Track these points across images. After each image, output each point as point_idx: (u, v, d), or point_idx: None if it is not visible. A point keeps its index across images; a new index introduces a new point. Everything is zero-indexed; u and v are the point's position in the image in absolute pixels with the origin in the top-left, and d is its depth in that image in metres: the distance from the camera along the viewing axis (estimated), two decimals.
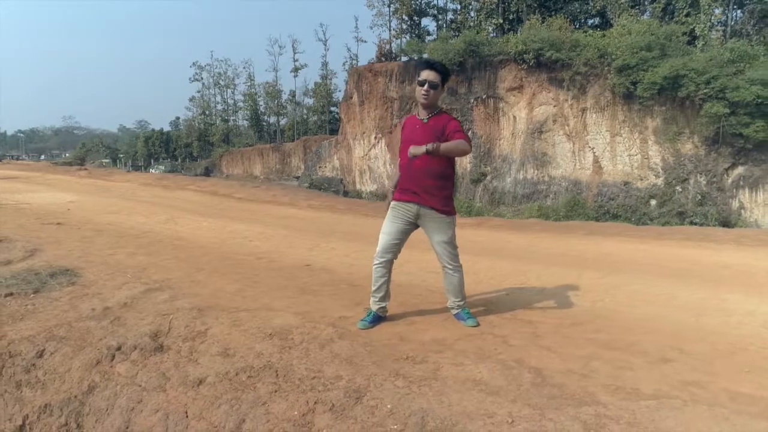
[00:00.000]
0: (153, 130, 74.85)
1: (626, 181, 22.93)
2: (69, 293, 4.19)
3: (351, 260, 5.88)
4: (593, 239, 7.98)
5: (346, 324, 3.48)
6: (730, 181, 20.85)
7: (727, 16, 25.06)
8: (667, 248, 7.13)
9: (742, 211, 20.70)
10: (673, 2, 25.35)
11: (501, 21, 29.95)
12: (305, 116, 56.83)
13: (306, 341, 3.17)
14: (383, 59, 34.91)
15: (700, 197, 21.04)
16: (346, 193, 30.43)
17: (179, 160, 63.71)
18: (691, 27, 23.62)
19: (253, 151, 49.47)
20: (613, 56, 21.68)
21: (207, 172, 50.59)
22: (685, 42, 22.76)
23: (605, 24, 28.17)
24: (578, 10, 28.97)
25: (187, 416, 2.59)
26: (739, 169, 20.65)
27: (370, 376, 2.69)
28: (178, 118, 77.30)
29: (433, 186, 3.28)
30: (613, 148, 23.35)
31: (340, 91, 50.64)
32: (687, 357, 3.00)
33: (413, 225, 3.40)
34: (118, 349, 3.20)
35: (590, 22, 29.90)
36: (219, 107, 63.25)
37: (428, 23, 39.69)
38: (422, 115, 3.34)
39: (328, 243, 7.00)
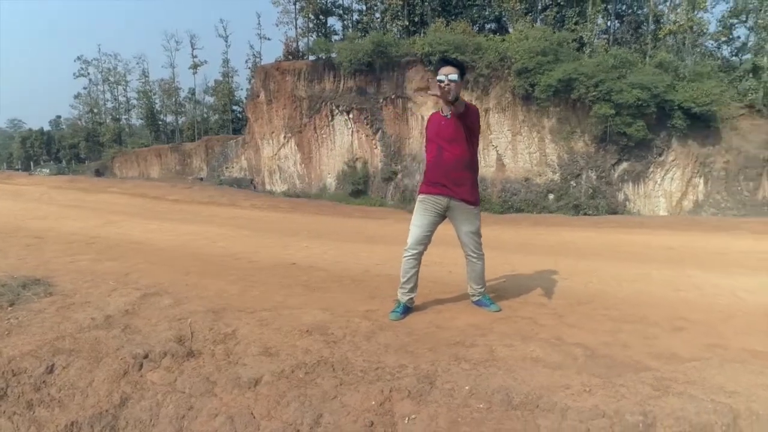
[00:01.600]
0: (30, 129, 67.62)
1: (527, 177, 24.53)
2: (53, 304, 3.83)
3: (333, 257, 5.87)
4: (542, 229, 8.59)
5: (377, 316, 3.53)
6: (616, 175, 23.21)
7: (608, 26, 27.53)
8: (613, 235, 7.83)
9: (627, 203, 23.19)
10: (563, 11, 27.51)
11: (406, 23, 30.69)
12: (206, 115, 54.27)
13: (348, 335, 3.17)
14: (290, 57, 34.36)
15: (591, 191, 23.11)
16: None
17: (64, 162, 58.22)
18: (580, 35, 25.84)
19: (150, 151, 46.40)
20: (513, 60, 23.14)
21: (98, 175, 46.70)
22: (575, 48, 24.96)
23: (501, 29, 29.92)
24: (477, 15, 30.47)
25: (254, 417, 2.52)
26: (624, 165, 23.11)
27: (433, 362, 2.77)
28: (59, 116, 70.59)
29: (462, 177, 3.42)
30: (514, 147, 24.88)
31: (242, 89, 49.13)
32: (693, 325, 3.38)
33: (442, 217, 3.52)
34: (146, 357, 3.01)
35: (488, 27, 31.48)
36: (109, 105, 58.46)
37: (334, 23, 39.64)
38: (445, 111, 3.46)
39: (297, 242, 6.91)
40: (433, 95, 3.13)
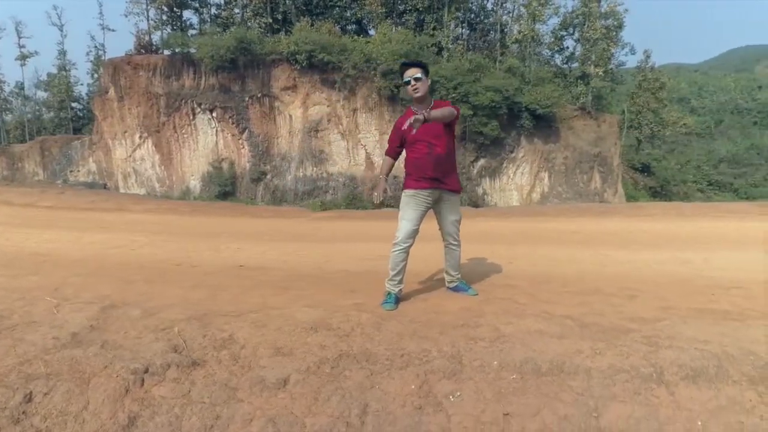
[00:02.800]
0: None
1: (395, 175, 25.78)
2: None
3: (277, 257, 5.77)
4: (472, 220, 9.17)
5: (370, 308, 3.61)
6: (475, 171, 25.67)
7: (462, 33, 29.84)
8: (543, 224, 8.65)
9: (486, 197, 25.80)
10: (422, 17, 28.88)
11: (269, 20, 30.31)
12: (39, 113, 47.88)
13: (356, 328, 3.22)
14: (143, 51, 31.91)
15: None
16: None
17: None
18: (438, 40, 27.33)
19: None
20: (378, 61, 23.91)
21: None
22: (434, 52, 26.65)
23: (362, 31, 30.87)
24: (339, 16, 30.94)
25: (296, 415, 2.49)
26: (481, 162, 25.67)
27: (451, 343, 2.95)
28: None
29: (450, 168, 3.65)
30: (382, 146, 25.44)
31: (83, 83, 44.14)
32: (641, 293, 3.97)
33: (428, 210, 3.70)
34: (146, 371, 2.78)
35: (349, 28, 32.16)
36: None
37: (190, 16, 37.56)
38: (421, 110, 3.65)
39: (225, 244, 6.63)
40: (417, 125, 3.26)
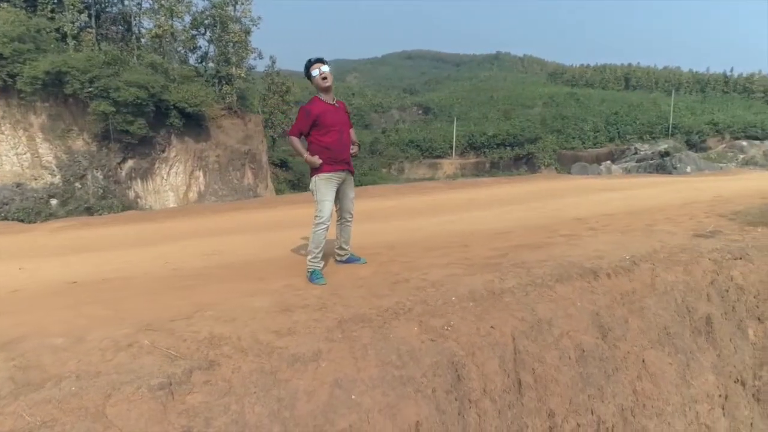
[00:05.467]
0: None
1: (19, 183, 22.31)
2: None
3: (116, 267, 5.04)
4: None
5: (307, 287, 3.94)
6: (124, 174, 24.35)
7: (90, 20, 26.94)
8: (407, 199, 9.57)
9: (139, 200, 24.63)
10: None
11: None
12: None
13: (325, 301, 3.58)
14: None
15: (101, 191, 23.25)
16: None
17: None
18: (61, 25, 24.44)
19: None
20: None
21: None
22: (57, 38, 23.81)
23: None
24: None
25: (341, 375, 2.85)
26: (130, 163, 24.47)
27: (409, 293, 3.70)
28: None
29: (350, 153, 4.25)
30: None
31: None
32: (517, 236, 5.47)
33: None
34: (170, 384, 2.60)
35: None
36: None
37: None
38: (328, 100, 4.17)
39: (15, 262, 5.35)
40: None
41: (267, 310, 3.45)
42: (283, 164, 40.56)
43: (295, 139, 4.18)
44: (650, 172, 38.15)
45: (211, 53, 31.90)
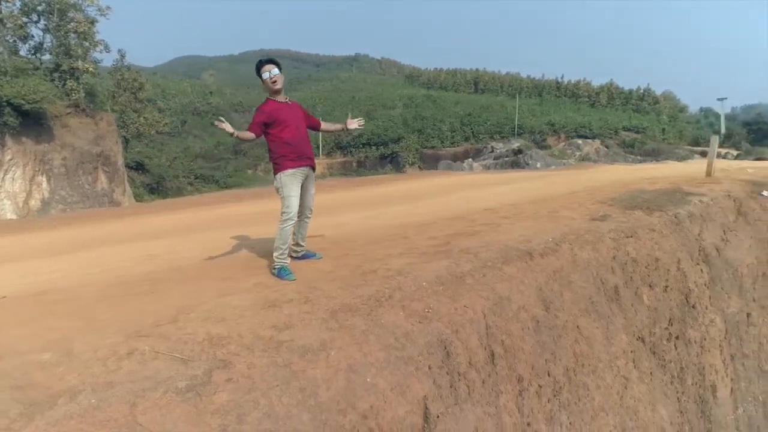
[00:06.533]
0: None
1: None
2: None
3: (61, 276, 4.53)
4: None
5: (279, 283, 3.96)
6: None
7: None
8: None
9: None
10: None
11: None
12: None
13: (308, 295, 3.65)
14: None
15: None
16: None
17: None
18: None
19: None
20: None
21: None
22: None
23: None
24: None
25: (364, 355, 3.01)
26: None
27: (381, 280, 3.92)
28: None
29: (311, 149, 4.32)
30: None
31: None
32: (440, 226, 5.78)
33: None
34: (193, 385, 2.54)
35: None
36: None
37: None
38: (281, 99, 4.22)
39: None
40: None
41: (252, 308, 3.44)
42: (139, 167, 38.08)
43: (246, 132, 4.10)
44: (506, 168, 42.28)
45: (48, 44, 28.28)
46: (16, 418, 2.16)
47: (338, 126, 4.70)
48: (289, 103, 4.26)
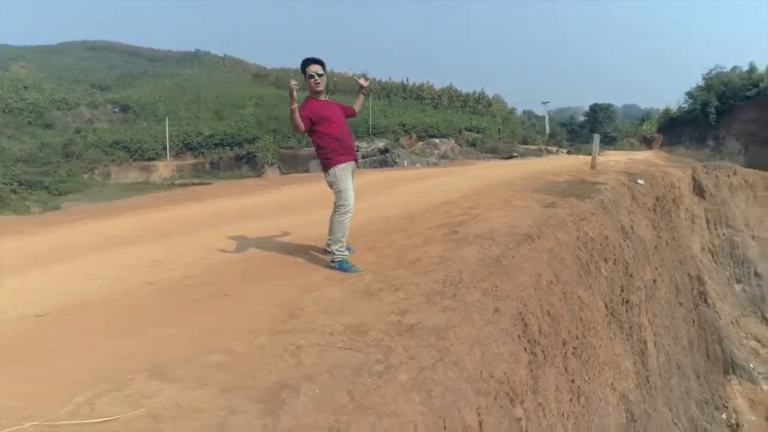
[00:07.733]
0: None
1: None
2: None
3: (58, 292, 4.00)
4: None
5: (349, 275, 4.06)
6: None
7: None
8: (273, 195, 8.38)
9: None
10: None
11: None
12: None
13: (385, 283, 3.82)
14: None
15: None
16: None
17: None
18: None
19: None
20: None
21: None
22: None
23: None
24: None
25: (478, 329, 3.32)
26: None
27: (445, 270, 4.23)
28: None
29: (354, 144, 4.47)
30: None
31: None
32: (428, 217, 6.08)
33: None
34: (385, 373, 2.66)
35: None
36: None
37: None
38: (322, 98, 4.34)
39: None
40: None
41: (351, 299, 3.54)
42: None
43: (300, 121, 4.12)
44: (375, 167, 43.93)
45: None
46: (261, 416, 2.12)
47: (360, 97, 4.84)
48: (329, 101, 4.37)
